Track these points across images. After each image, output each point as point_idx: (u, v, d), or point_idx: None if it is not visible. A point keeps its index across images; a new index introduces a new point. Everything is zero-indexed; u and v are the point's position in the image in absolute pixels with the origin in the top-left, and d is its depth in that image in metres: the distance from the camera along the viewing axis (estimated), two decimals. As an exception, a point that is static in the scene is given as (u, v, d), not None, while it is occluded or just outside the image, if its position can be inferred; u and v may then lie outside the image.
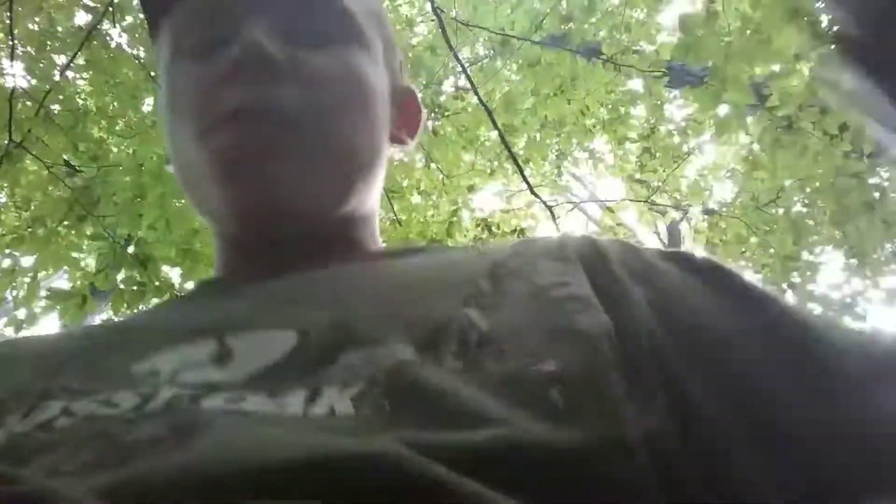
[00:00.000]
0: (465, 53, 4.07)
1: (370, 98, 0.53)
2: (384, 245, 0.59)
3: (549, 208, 4.11)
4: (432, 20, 3.94)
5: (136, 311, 2.41)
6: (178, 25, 0.53)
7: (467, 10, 3.89)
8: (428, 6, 3.85)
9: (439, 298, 0.42)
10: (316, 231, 0.51)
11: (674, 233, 5.51)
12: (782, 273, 3.85)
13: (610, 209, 4.90)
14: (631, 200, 4.36)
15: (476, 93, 3.84)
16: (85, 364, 0.42)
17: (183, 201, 2.56)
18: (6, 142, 2.73)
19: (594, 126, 3.94)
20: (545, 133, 4.00)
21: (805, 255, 3.80)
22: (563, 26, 3.91)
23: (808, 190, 3.33)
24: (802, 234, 3.64)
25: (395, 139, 0.60)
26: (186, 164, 0.51)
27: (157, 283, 2.40)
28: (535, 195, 4.06)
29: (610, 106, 3.91)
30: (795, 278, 3.87)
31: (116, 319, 0.60)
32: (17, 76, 3.34)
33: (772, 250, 3.68)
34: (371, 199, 0.56)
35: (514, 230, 4.12)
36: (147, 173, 2.79)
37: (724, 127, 2.82)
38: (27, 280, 2.72)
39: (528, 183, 4.05)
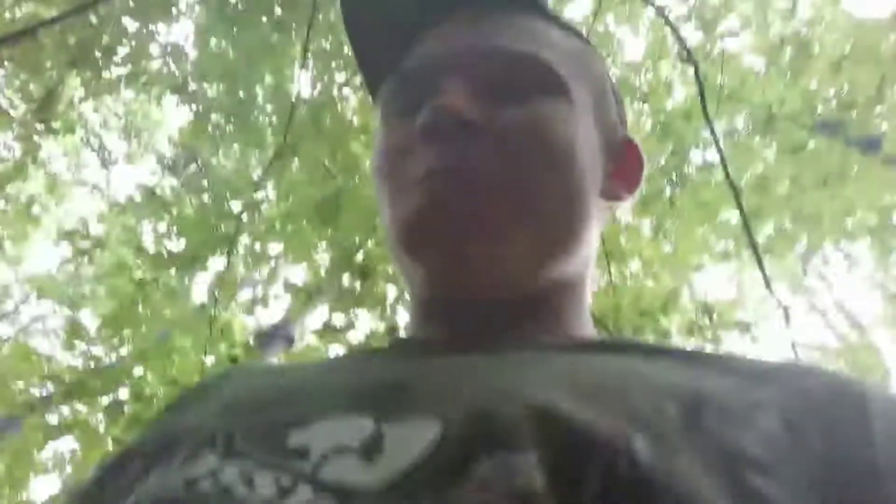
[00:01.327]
0: (722, 125, 3.86)
1: (569, 153, 0.50)
2: (592, 325, 0.55)
3: (785, 308, 3.75)
4: (692, 84, 3.79)
5: (349, 317, 2.58)
6: (389, 90, 0.55)
7: (735, 80, 3.69)
8: (691, 70, 3.73)
9: (607, 407, 0.37)
10: (511, 298, 0.50)
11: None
12: None
13: (859, 325, 4.34)
14: (887, 321, 3.80)
15: (725, 167, 3.63)
16: (258, 411, 0.44)
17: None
18: (282, 141, 3.08)
19: (858, 229, 3.52)
20: (797, 226, 3.66)
21: None
22: (841, 113, 3.56)
23: None
24: None
25: (610, 195, 0.57)
26: (386, 220, 0.52)
27: (372, 295, 2.55)
28: (770, 290, 3.72)
29: (881, 210, 3.47)
30: None
31: (311, 361, 0.65)
32: (303, 85, 3.77)
33: None
34: (576, 264, 0.53)
35: (737, 323, 3.79)
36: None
37: None
38: (271, 266, 3.03)
39: (764, 274, 3.73)
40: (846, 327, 5.04)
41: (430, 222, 0.47)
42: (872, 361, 4.82)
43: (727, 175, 3.62)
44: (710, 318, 3.94)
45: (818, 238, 3.57)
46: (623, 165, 0.58)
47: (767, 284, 3.57)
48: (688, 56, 3.70)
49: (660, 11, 3.58)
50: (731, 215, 3.77)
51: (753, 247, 3.64)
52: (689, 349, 0.49)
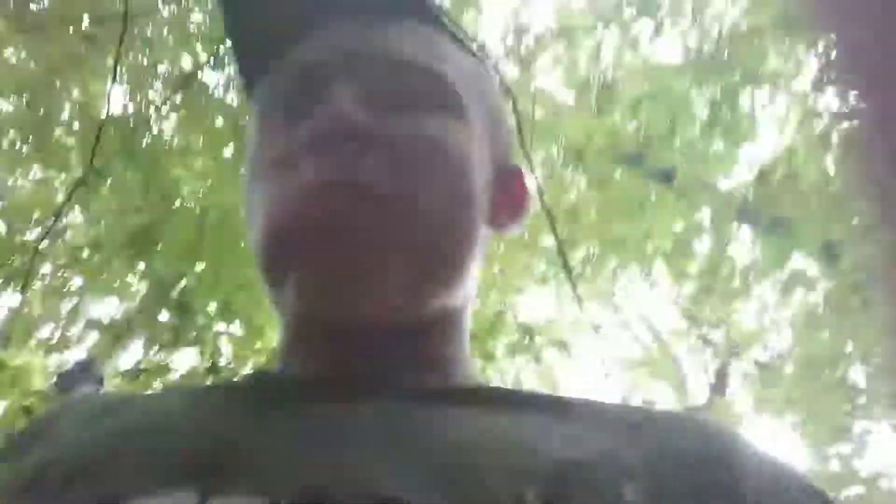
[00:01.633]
0: (540, 155, 4.11)
1: (463, 174, 0.48)
2: (472, 362, 0.52)
3: (595, 326, 4.03)
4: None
5: (168, 357, 2.43)
6: (270, 87, 0.51)
7: (550, 113, 3.95)
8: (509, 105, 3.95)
9: (460, 496, 0.35)
10: (389, 327, 0.46)
11: (721, 376, 5.31)
12: (829, 441, 3.63)
13: (661, 341, 4.77)
14: (682, 334, 4.23)
15: (541, 198, 3.86)
16: (68, 484, 0.39)
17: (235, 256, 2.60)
18: (88, 163, 2.85)
19: (655, 254, 3.88)
20: (605, 251, 3.96)
21: (858, 427, 3.59)
22: (640, 148, 3.92)
23: (870, 360, 3.17)
24: (857, 405, 3.45)
25: (495, 223, 0.54)
26: (258, 234, 0.48)
27: (193, 334, 2.42)
28: (582, 309, 3.99)
29: (674, 237, 3.85)
30: (844, 449, 3.64)
31: (155, 394, 0.65)
32: (114, 103, 3.52)
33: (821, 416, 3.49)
34: (459, 295, 0.50)
35: (556, 342, 4.03)
36: (209, 222, 2.85)
37: (790, 284, 2.73)
38: (74, 301, 2.79)
39: (577, 295, 3.99)
40: (649, 340, 5.53)
41: (311, 233, 0.44)
42: (669, 370, 5.32)
43: (542, 204, 3.87)
44: (532, 339, 4.16)
45: (624, 262, 3.88)
46: (510, 195, 0.55)
47: (580, 305, 3.83)
48: (506, 90, 3.92)
49: (480, 48, 3.75)
50: (548, 241, 4.01)
51: (567, 270, 3.89)
52: (559, 397, 0.47)
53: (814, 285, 3.10)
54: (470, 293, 0.52)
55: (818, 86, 1.97)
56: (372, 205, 0.45)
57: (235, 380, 0.58)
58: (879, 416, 3.62)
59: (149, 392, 0.57)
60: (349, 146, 0.45)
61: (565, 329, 4.35)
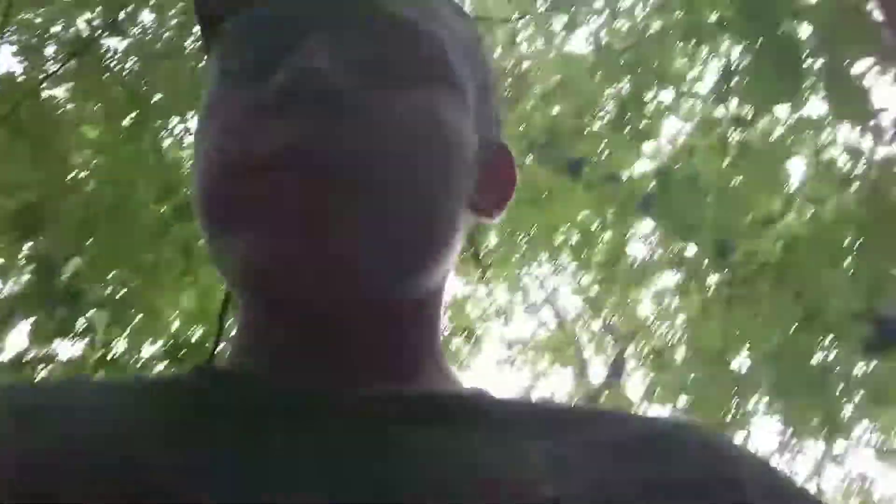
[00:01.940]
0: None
1: (450, 155, 0.43)
2: (444, 359, 0.47)
3: (504, 312, 4.11)
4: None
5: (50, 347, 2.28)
6: (230, 41, 0.45)
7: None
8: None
9: None
10: (360, 315, 0.41)
11: (619, 362, 5.52)
12: (717, 427, 3.84)
13: (563, 325, 4.92)
14: (585, 319, 4.37)
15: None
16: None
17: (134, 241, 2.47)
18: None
19: (562, 245, 3.97)
20: (512, 239, 4.02)
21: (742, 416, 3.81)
22: (551, 139, 3.99)
23: (755, 353, 3.36)
24: (742, 395, 3.66)
25: (477, 208, 0.48)
26: (212, 210, 0.42)
27: (82, 326, 2.28)
28: (491, 295, 4.06)
29: (580, 229, 3.95)
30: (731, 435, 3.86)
31: (89, 395, 0.43)
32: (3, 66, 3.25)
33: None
34: (435, 283, 0.45)
35: (465, 329, 4.09)
36: (104, 199, 2.69)
37: (685, 276, 2.85)
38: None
39: (485, 282, 4.06)
40: (553, 325, 5.69)
41: (283, 205, 0.38)
42: (571, 355, 5.50)
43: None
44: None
45: (532, 250, 3.95)
46: (494, 176, 0.49)
47: (488, 292, 3.90)
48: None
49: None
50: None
51: (475, 256, 3.94)
52: (547, 407, 0.44)
53: (706, 278, 3.25)
54: (444, 286, 0.47)
55: (720, 94, 2.06)
56: (348, 176, 0.39)
57: (179, 377, 0.48)
58: (762, 404, 3.86)
59: (69, 385, 0.48)
60: (322, 107, 0.39)
61: (472, 315, 4.40)
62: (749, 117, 2.51)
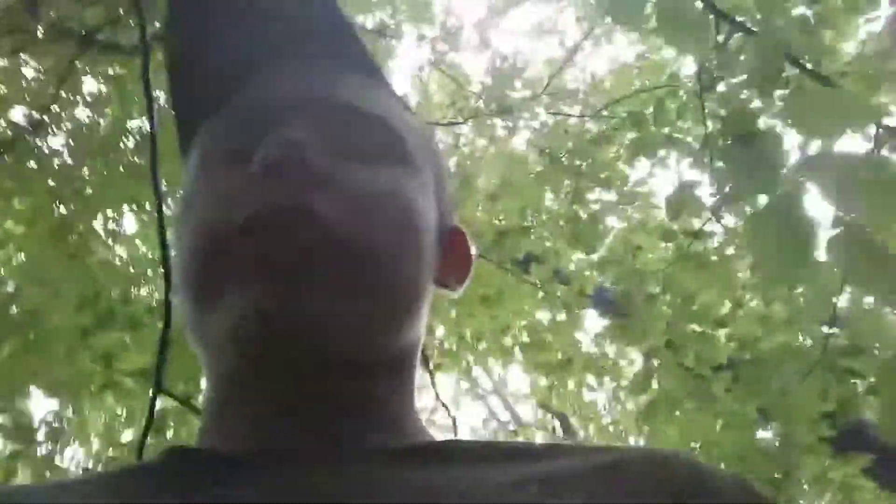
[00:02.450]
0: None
1: (418, 227, 0.47)
2: (419, 423, 0.49)
3: (453, 419, 3.93)
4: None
5: None
6: (212, 132, 0.49)
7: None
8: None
9: None
10: (337, 374, 0.43)
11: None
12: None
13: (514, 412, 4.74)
14: (537, 428, 4.22)
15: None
16: None
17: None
18: None
19: (512, 347, 3.88)
20: (462, 345, 3.91)
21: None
22: (498, 239, 3.95)
23: (713, 454, 3.26)
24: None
25: (440, 282, 0.52)
26: (201, 274, 0.43)
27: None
28: (441, 402, 3.89)
29: (529, 329, 3.88)
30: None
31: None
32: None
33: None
34: (407, 347, 0.48)
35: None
36: (23, 304, 2.48)
37: (637, 384, 2.77)
38: None
39: (435, 389, 3.90)
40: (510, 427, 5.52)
41: (264, 266, 0.40)
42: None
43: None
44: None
45: (482, 356, 3.84)
46: (452, 254, 0.53)
47: (442, 404, 3.75)
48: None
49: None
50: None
51: (426, 363, 3.80)
52: (519, 447, 0.45)
53: (654, 380, 3.17)
54: (415, 351, 0.50)
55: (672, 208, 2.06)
56: (324, 241, 0.41)
57: (149, 462, 0.44)
58: None
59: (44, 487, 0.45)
60: (303, 181, 0.42)
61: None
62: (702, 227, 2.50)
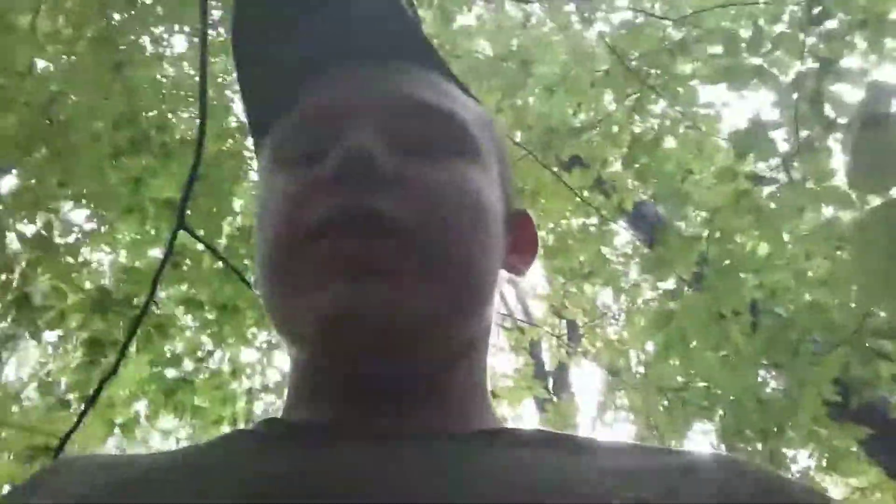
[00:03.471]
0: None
1: (486, 216, 0.49)
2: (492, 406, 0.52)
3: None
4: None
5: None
6: (283, 132, 0.51)
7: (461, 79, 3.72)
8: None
9: None
10: (413, 367, 0.46)
11: (564, 366, 5.45)
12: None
13: (521, 330, 4.79)
14: (545, 329, 4.23)
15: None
16: None
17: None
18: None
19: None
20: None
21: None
22: (543, 134, 3.80)
23: (712, 392, 3.28)
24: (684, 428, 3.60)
25: (509, 266, 0.54)
26: (274, 276, 0.47)
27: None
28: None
29: (558, 233, 3.80)
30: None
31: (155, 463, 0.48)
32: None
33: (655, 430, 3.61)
34: (481, 332, 0.51)
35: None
36: (57, 114, 2.43)
37: (657, 320, 2.72)
38: None
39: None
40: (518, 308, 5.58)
41: (338, 267, 0.43)
42: (528, 338, 5.39)
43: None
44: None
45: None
46: (519, 238, 0.55)
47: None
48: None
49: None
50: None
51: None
52: (589, 441, 0.47)
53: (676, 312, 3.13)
54: (487, 333, 0.52)
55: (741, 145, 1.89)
56: (394, 241, 0.44)
57: (242, 429, 0.51)
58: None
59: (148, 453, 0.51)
60: (369, 183, 0.45)
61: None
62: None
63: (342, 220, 0.44)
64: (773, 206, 2.35)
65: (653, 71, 3.57)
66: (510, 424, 0.50)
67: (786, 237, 2.71)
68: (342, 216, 0.44)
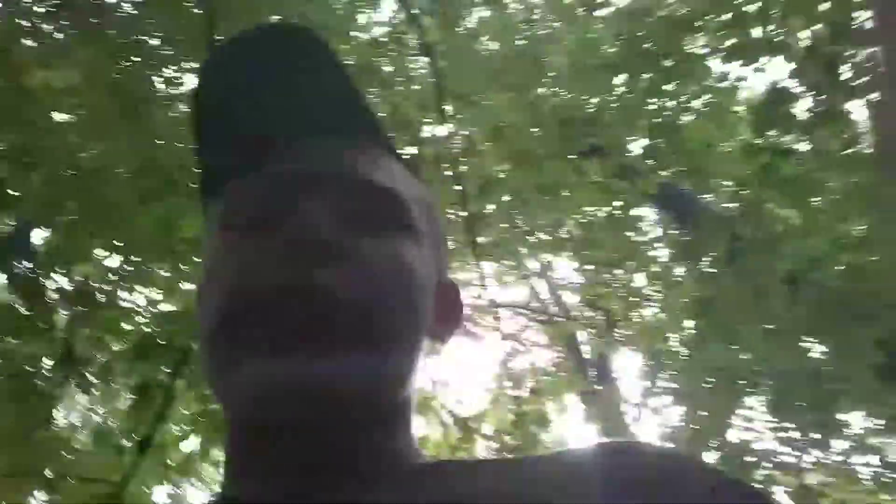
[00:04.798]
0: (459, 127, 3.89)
1: (417, 291, 0.53)
2: (422, 457, 0.56)
3: (494, 302, 3.96)
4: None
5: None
6: (234, 198, 0.54)
7: (471, 83, 3.71)
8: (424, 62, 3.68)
9: None
10: (343, 426, 0.49)
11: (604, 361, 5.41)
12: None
13: (558, 325, 4.76)
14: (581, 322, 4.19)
15: (456, 168, 3.67)
16: None
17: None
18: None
19: (565, 241, 3.79)
20: (513, 234, 3.83)
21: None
22: (558, 127, 3.77)
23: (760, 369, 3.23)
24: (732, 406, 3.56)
25: (433, 334, 0.58)
26: (210, 346, 0.50)
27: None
28: (483, 286, 3.90)
29: (584, 226, 3.77)
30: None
31: None
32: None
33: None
34: (408, 396, 0.55)
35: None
36: (83, 164, 2.46)
37: (693, 306, 2.68)
38: None
39: (480, 272, 3.89)
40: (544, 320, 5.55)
41: (280, 336, 0.46)
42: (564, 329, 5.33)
43: (456, 175, 3.68)
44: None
45: (533, 248, 3.77)
46: (445, 307, 0.59)
47: (482, 285, 3.74)
48: (425, 49, 3.65)
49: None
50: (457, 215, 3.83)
51: (473, 247, 3.76)
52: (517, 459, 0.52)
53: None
54: (414, 396, 0.56)
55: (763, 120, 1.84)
56: (332, 310, 0.47)
57: None
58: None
59: None
60: (315, 257, 0.48)
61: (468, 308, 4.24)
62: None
63: (286, 293, 0.47)
64: (799, 176, 2.31)
65: (661, 51, 3.53)
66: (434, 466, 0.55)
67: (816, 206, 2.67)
68: (287, 289, 0.47)
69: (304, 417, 0.47)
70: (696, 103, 3.64)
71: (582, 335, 5.56)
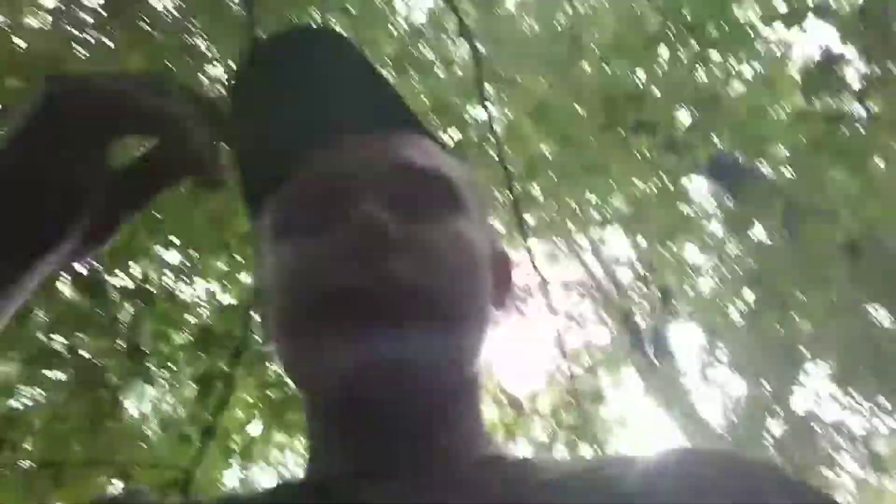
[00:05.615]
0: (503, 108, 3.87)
1: (477, 264, 0.55)
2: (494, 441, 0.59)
3: (545, 282, 3.93)
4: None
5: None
6: (286, 202, 0.56)
7: (514, 65, 3.69)
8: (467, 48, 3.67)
9: None
10: (424, 405, 0.52)
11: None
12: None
13: (612, 301, 4.72)
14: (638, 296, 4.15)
15: (500, 149, 3.65)
16: None
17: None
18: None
19: (610, 219, 3.74)
20: (562, 213, 3.80)
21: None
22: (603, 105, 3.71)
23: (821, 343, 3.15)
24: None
25: (494, 300, 0.60)
26: (294, 340, 0.53)
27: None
28: (535, 266, 3.88)
29: (633, 202, 3.71)
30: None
31: None
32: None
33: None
34: (478, 372, 0.58)
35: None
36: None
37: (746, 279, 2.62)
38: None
39: (529, 252, 3.87)
40: (597, 296, 5.50)
41: (362, 331, 0.49)
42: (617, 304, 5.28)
43: (500, 157, 3.66)
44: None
45: (582, 224, 3.74)
46: (499, 277, 0.61)
47: (534, 265, 3.71)
48: (464, 33, 3.63)
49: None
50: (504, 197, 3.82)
51: (521, 227, 3.74)
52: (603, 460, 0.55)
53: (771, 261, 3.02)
54: (481, 375, 0.59)
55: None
56: (405, 301, 0.50)
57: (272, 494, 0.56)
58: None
59: None
60: (383, 252, 0.51)
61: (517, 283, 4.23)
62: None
63: (361, 288, 0.50)
64: (854, 141, 2.23)
65: (706, 22, 3.43)
66: (505, 452, 0.58)
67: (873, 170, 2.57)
68: (361, 285, 0.50)
69: (394, 392, 0.50)
70: (744, 69, 3.54)
71: (637, 310, 5.50)
